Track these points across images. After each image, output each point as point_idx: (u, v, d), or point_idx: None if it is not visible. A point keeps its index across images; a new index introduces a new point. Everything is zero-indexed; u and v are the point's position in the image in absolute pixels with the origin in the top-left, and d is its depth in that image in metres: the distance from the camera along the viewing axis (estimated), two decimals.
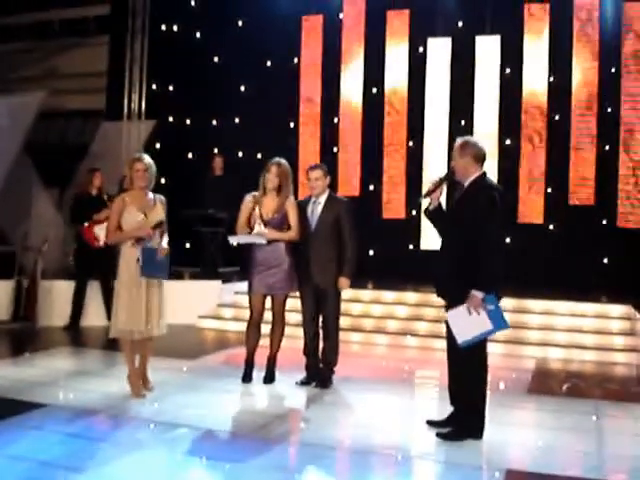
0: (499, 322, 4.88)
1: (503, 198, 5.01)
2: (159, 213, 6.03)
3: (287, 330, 6.69)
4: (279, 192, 6.42)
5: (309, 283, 6.52)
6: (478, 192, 4.98)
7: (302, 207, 6.57)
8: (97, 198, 9.22)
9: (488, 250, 4.83)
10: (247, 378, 6.60)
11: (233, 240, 6.46)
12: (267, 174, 6.40)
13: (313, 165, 6.77)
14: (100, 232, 8.88)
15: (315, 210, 6.53)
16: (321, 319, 6.62)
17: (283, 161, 6.47)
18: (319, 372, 6.63)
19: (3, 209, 11.25)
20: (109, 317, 9.12)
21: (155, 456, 4.66)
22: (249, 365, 6.64)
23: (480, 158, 5.07)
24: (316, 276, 6.46)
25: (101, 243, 8.91)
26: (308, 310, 6.62)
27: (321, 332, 6.65)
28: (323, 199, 6.55)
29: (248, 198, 6.51)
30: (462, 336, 4.93)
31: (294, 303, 6.90)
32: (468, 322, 4.88)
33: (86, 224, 9.10)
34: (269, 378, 6.62)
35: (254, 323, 6.56)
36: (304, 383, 6.60)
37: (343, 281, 6.42)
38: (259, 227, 6.33)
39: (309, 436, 5.26)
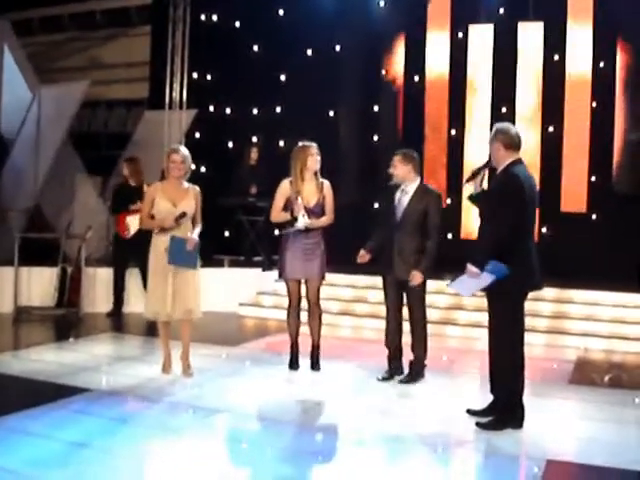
0: (499, 271, 4.81)
1: (523, 187, 4.87)
2: (189, 204, 6.12)
3: (326, 318, 6.68)
4: (316, 175, 6.36)
5: (391, 274, 6.25)
6: (504, 179, 4.97)
7: (389, 193, 6.32)
8: (136, 188, 9.23)
9: (490, 231, 4.88)
10: (294, 365, 6.59)
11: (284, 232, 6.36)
12: (310, 157, 6.28)
13: (400, 151, 6.32)
14: (131, 222, 8.98)
15: (402, 199, 6.20)
16: (407, 312, 6.34)
17: None
18: (398, 367, 6.42)
19: (48, 197, 11.44)
20: None
21: (195, 440, 4.71)
22: (294, 351, 6.62)
23: (512, 145, 5.00)
24: (398, 267, 6.16)
25: (131, 233, 9.02)
26: (391, 302, 6.32)
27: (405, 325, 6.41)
28: (412, 188, 6.20)
29: (286, 183, 6.40)
30: (467, 291, 5.25)
31: (330, 291, 6.88)
32: (471, 282, 4.96)
33: (119, 214, 9.22)
34: (315, 366, 6.56)
35: (294, 309, 6.54)
36: (385, 379, 6.35)
37: (417, 275, 6.08)
38: (304, 218, 6.21)
39: (348, 423, 5.28)
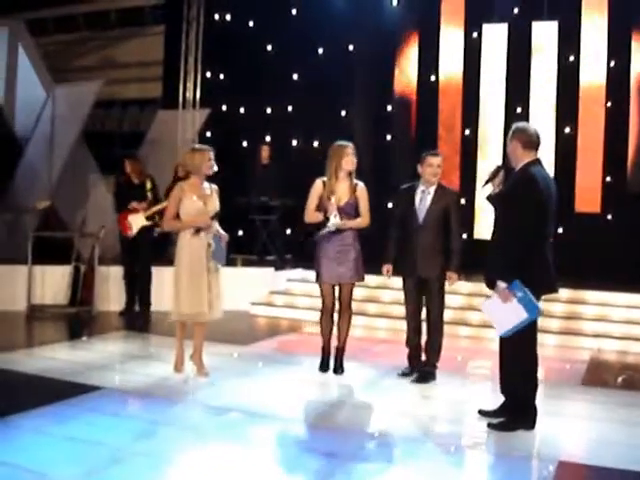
0: (531, 309, 4.77)
1: (539, 188, 4.81)
2: (215, 202, 6.13)
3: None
4: (350, 176, 6.25)
5: (413, 275, 6.27)
6: (519, 179, 4.92)
7: (407, 195, 6.32)
8: (138, 186, 9.21)
9: (508, 238, 4.78)
10: (324, 367, 6.50)
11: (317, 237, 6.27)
12: (345, 157, 6.16)
13: (434, 151, 6.41)
14: (133, 221, 8.96)
15: (424, 200, 6.22)
16: (424, 312, 6.40)
17: None
18: (417, 365, 6.43)
19: (62, 196, 11.49)
20: (141, 300, 9.24)
21: (208, 439, 4.71)
22: (326, 354, 6.53)
23: (529, 144, 4.94)
24: (420, 268, 6.18)
25: (134, 232, 8.99)
26: (411, 302, 6.36)
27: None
28: (433, 189, 6.24)
29: (319, 183, 6.28)
30: (501, 326, 4.91)
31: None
32: (503, 312, 4.82)
33: (121, 213, 9.19)
34: (339, 369, 6.47)
35: (327, 312, 6.42)
36: (405, 374, 6.42)
37: (452, 275, 6.21)
38: (335, 219, 6.11)
39: (360, 423, 5.28)
